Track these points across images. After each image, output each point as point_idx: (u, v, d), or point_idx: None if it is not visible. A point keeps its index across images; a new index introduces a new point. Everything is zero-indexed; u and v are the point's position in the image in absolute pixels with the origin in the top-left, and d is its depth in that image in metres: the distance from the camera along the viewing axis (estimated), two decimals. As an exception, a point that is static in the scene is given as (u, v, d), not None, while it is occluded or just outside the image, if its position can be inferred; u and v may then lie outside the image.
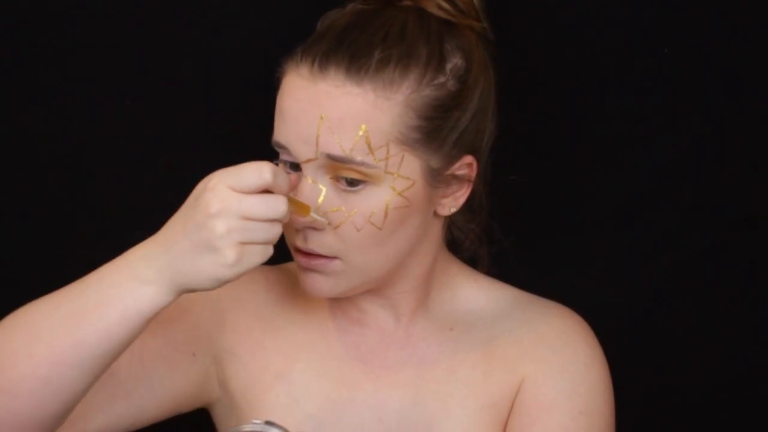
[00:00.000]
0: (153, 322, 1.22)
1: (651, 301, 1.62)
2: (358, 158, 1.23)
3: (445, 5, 1.32)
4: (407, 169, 1.26)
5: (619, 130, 1.59)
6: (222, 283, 1.17)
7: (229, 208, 1.15)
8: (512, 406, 1.35)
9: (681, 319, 1.62)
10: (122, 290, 1.19)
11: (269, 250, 1.18)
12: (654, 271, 1.62)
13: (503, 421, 1.35)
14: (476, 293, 1.41)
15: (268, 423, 1.17)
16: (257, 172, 1.16)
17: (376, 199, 1.26)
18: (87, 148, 1.64)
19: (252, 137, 1.40)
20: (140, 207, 1.64)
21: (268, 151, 1.28)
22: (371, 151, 1.23)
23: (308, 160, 1.25)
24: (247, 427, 1.17)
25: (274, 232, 1.17)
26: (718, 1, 1.55)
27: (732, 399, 1.63)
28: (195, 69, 1.61)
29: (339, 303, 1.39)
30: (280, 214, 1.17)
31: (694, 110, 1.58)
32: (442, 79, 1.27)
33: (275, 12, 1.60)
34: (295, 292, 1.41)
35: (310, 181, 1.26)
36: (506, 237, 1.43)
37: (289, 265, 1.42)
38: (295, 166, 1.27)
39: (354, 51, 1.25)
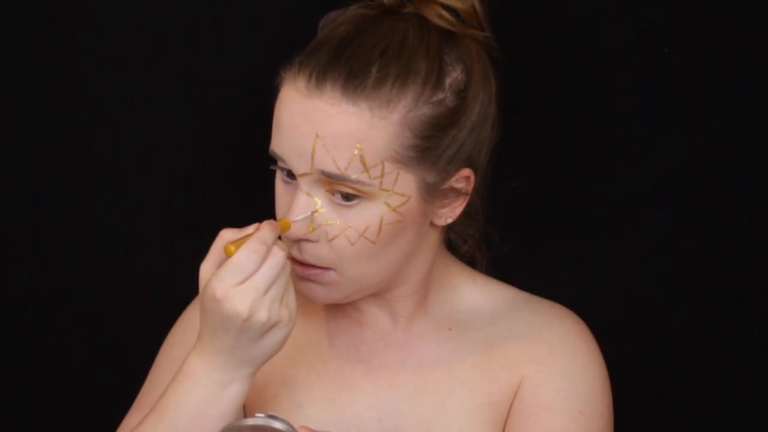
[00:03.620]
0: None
1: (649, 301, 1.62)
2: (353, 176, 1.23)
3: (446, 15, 1.30)
4: (402, 185, 1.25)
5: (618, 131, 1.58)
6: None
7: (255, 299, 1.20)
8: (511, 406, 1.36)
9: (679, 319, 1.62)
10: (212, 400, 1.25)
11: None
12: (652, 272, 1.62)
13: (502, 421, 1.35)
14: (475, 293, 1.41)
15: (271, 416, 1.17)
16: (253, 256, 1.20)
17: (371, 214, 1.25)
18: (86, 147, 1.64)
19: (251, 137, 1.41)
20: (139, 205, 1.65)
21: (266, 151, 1.29)
22: (366, 169, 1.23)
23: (303, 174, 1.25)
24: (250, 421, 1.17)
25: (281, 261, 1.22)
26: (718, 1, 1.54)
27: (730, 399, 1.64)
28: (196, 68, 1.61)
29: (338, 304, 1.39)
30: (282, 261, 1.21)
31: (693, 111, 1.57)
32: (440, 95, 1.26)
33: (277, 12, 1.59)
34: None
35: (305, 194, 1.26)
36: (505, 241, 1.43)
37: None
38: (293, 175, 1.27)
39: (351, 67, 1.24)
